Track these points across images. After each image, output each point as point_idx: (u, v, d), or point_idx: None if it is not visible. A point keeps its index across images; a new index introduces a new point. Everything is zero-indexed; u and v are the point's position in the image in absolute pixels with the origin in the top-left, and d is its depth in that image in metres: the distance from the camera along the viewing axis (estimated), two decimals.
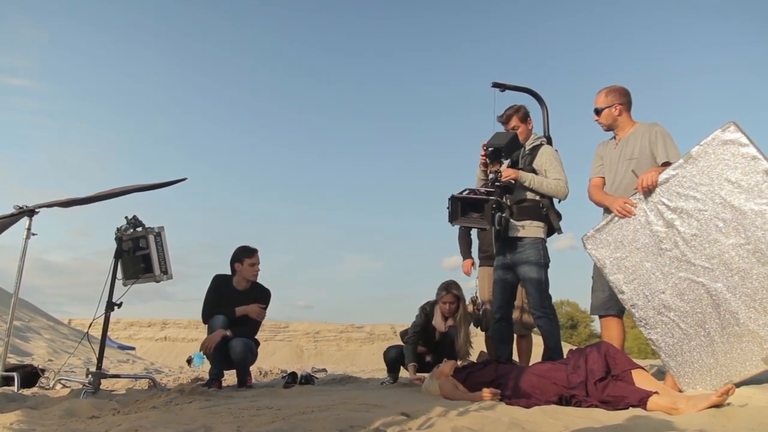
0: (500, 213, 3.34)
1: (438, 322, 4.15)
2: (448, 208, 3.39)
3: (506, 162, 3.77)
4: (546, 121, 4.24)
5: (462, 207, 3.37)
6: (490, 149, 3.44)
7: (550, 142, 3.98)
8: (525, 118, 3.78)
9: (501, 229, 3.42)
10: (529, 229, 3.58)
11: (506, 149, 3.45)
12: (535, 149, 3.71)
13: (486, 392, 2.75)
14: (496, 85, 4.15)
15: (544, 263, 3.56)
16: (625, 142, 3.22)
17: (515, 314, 4.47)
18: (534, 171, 3.60)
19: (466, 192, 3.45)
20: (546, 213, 3.61)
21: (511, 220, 3.58)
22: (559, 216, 3.70)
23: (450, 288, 4.09)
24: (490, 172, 3.50)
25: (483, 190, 3.44)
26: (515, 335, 4.55)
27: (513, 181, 3.52)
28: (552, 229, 3.68)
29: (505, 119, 3.77)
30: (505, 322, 3.73)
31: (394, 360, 4.41)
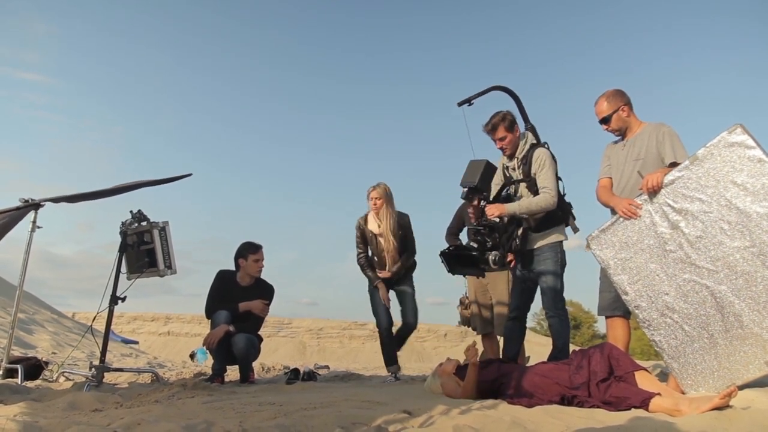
0: (495, 252, 3.37)
1: (372, 225, 4.45)
2: (442, 261, 3.48)
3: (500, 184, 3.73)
4: (522, 112, 4.05)
5: (456, 259, 3.46)
6: (465, 190, 3.47)
7: (534, 131, 3.80)
8: (512, 126, 3.57)
9: (517, 248, 3.47)
10: (548, 237, 3.56)
11: (481, 184, 3.49)
12: (528, 156, 3.56)
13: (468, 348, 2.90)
14: (462, 102, 3.87)
15: (561, 266, 3.55)
16: (632, 143, 3.21)
17: (484, 312, 4.50)
18: (533, 180, 3.51)
19: (452, 248, 3.54)
20: (562, 216, 3.57)
21: (530, 233, 3.56)
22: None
23: (377, 185, 4.40)
24: (479, 206, 3.55)
25: (472, 227, 3.50)
26: (480, 334, 4.59)
27: (498, 219, 3.46)
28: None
29: (490, 128, 3.57)
30: (519, 321, 3.74)
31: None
